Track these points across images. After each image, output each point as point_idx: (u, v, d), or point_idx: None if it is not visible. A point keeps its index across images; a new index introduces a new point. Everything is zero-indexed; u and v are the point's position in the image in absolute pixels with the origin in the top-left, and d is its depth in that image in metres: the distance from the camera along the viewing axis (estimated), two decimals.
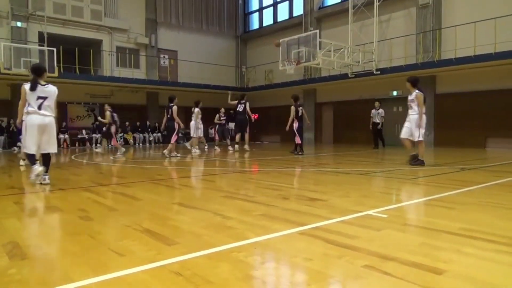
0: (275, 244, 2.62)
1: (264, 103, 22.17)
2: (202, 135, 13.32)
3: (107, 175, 6.98)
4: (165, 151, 10.86)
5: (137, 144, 19.12)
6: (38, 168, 5.41)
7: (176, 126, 10.58)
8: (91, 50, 18.37)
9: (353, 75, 16.68)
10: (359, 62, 16.12)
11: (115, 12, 19.78)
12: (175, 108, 10.62)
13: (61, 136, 17.05)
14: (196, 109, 12.61)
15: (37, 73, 5.47)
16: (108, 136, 13.12)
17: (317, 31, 15.17)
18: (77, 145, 17.94)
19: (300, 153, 11.05)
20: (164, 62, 21.34)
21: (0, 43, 15.30)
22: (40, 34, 17.07)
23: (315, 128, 19.68)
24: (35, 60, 15.91)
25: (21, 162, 8.41)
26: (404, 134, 7.50)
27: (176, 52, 21.87)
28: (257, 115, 20.18)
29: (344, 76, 17.02)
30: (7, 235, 2.82)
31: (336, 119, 19.25)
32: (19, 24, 16.90)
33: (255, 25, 24.41)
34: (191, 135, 12.89)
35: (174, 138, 10.67)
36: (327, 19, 19.46)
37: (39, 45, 16.74)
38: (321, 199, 4.17)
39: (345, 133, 18.49)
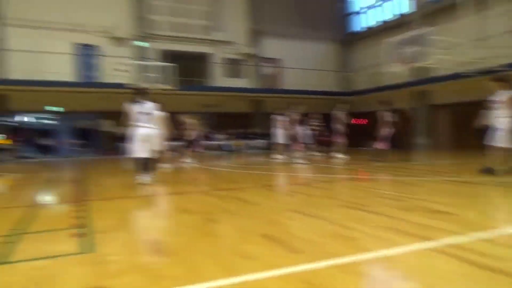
0: (405, 259, 2.49)
1: (370, 107, 21.34)
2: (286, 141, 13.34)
3: (223, 180, 7.42)
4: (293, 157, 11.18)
5: (244, 151, 19.98)
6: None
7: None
8: (203, 63, 19.83)
9: (476, 73, 15.05)
10: (480, 58, 14.50)
11: (222, 26, 21.07)
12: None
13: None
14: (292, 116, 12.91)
15: (142, 93, 6.67)
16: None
17: (431, 27, 14.10)
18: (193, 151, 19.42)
19: (379, 160, 10.38)
20: (268, 70, 21.99)
21: (129, 62, 17.46)
22: (159, 51, 19.00)
23: (429, 133, 18.25)
24: (156, 75, 17.74)
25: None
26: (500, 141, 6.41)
27: (280, 59, 22.36)
28: (365, 120, 19.51)
29: (463, 75, 15.47)
30: (150, 233, 3.18)
31: (454, 123, 17.56)
32: (142, 43, 19.05)
33: (357, 26, 23.72)
34: (280, 142, 13.04)
35: (296, 145, 11.08)
36: (441, 13, 17.96)
37: (159, 62, 18.63)
38: (447, 211, 3.84)
39: (466, 137, 16.76)
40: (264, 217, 3.83)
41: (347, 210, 4.10)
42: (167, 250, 2.69)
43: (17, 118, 18.21)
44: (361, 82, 22.09)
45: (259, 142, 20.55)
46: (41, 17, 17.19)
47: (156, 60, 18.76)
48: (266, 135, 20.97)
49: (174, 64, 17.70)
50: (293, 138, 12.88)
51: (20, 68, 16.20)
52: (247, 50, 21.31)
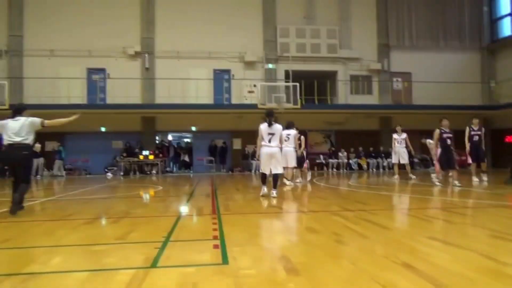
0: None
1: None
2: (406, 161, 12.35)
3: (350, 200, 7.16)
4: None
5: (370, 170, 19.10)
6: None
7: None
8: (328, 81, 19.81)
9: None
10: None
11: (349, 43, 20.79)
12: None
13: None
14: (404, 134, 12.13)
15: (270, 115, 7.43)
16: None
17: None
18: (315, 169, 19.41)
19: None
20: (397, 86, 20.81)
21: (258, 83, 18.50)
22: (286, 72, 19.64)
23: None
24: (283, 95, 18.36)
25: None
26: None
27: (410, 74, 20.99)
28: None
29: None
30: (280, 250, 3.20)
31: None
32: (270, 65, 19.99)
33: (506, 31, 20.83)
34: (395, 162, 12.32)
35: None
36: None
37: (286, 82, 19.25)
38: None
39: None
40: (399, 243, 3.53)
41: (497, 241, 3.51)
42: (299, 270, 2.66)
43: (162, 137, 20.74)
44: (508, 94, 19.23)
45: (387, 161, 19.40)
46: (185, 48, 19.42)
47: (283, 80, 19.45)
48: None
49: (299, 83, 18.14)
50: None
51: (165, 94, 18.49)
52: (374, 65, 20.59)
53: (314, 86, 18.98)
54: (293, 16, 20.41)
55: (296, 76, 18.87)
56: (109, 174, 17.48)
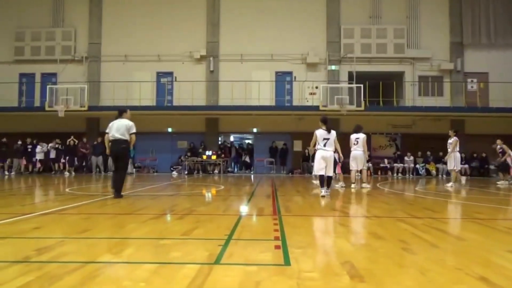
0: None
1: None
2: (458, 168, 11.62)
3: (417, 207, 6.79)
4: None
5: (440, 176, 17.99)
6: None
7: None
8: (394, 82, 19.00)
9: None
10: None
11: (417, 42, 19.79)
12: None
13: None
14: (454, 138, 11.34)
15: (327, 122, 8.06)
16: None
17: None
18: (379, 173, 18.70)
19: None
20: (472, 87, 19.38)
21: (320, 85, 18.27)
22: (350, 74, 19.17)
23: None
24: (345, 97, 17.94)
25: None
26: None
27: (487, 74, 19.46)
28: None
29: None
30: (343, 255, 3.11)
31: None
32: (333, 67, 19.64)
33: None
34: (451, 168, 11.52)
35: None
36: None
37: (349, 83, 18.79)
38: None
39: None
40: (474, 255, 3.26)
41: None
42: (364, 276, 2.56)
43: (224, 138, 21.26)
44: None
45: (460, 167, 18.13)
46: (248, 51, 19.74)
47: (346, 82, 19.02)
48: (470, 159, 18.39)
49: (360, 85, 17.61)
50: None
51: (228, 96, 18.92)
52: (446, 65, 19.38)
53: (379, 88, 18.30)
54: (358, 16, 19.90)
55: (360, 77, 18.34)
56: (175, 173, 18.27)
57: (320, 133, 7.99)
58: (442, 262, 3.03)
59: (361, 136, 10.15)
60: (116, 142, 7.31)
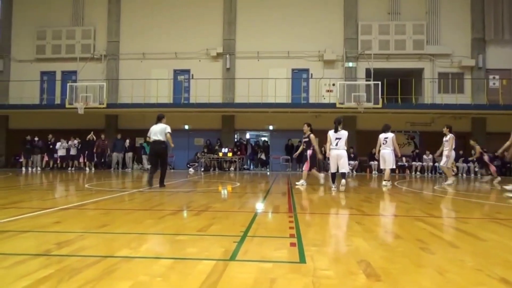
0: None
1: None
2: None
3: (436, 206, 6.68)
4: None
5: (459, 174, 17.63)
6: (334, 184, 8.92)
7: None
8: (413, 79, 18.68)
9: None
10: None
11: (437, 38, 19.40)
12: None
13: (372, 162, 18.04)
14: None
15: (338, 123, 8.95)
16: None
17: None
18: (397, 171, 18.45)
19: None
20: (494, 84, 18.91)
21: (337, 82, 18.11)
22: (367, 70, 18.94)
23: None
24: (363, 94, 17.73)
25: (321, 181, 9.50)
26: None
27: (509, 70, 18.95)
28: None
29: None
30: (359, 253, 3.09)
31: None
32: (350, 64, 19.43)
33: None
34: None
35: None
36: None
37: (366, 80, 18.57)
38: None
39: None
40: (495, 256, 3.19)
41: None
42: (380, 275, 2.54)
43: (240, 135, 21.30)
44: None
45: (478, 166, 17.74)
46: (264, 48, 19.71)
47: (363, 79, 18.81)
48: (492, 158, 17.94)
49: (377, 82, 17.39)
50: None
51: (244, 93, 18.93)
52: (467, 62, 18.96)
53: (397, 85, 18.03)
54: (376, 12, 19.63)
55: (378, 74, 18.10)
56: (191, 170, 18.41)
57: (331, 133, 9.02)
58: (461, 262, 2.97)
59: (390, 135, 10.31)
60: (156, 143, 8.94)
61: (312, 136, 10.25)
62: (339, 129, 8.94)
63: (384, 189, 9.63)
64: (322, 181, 10.43)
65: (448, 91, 18.83)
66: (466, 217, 5.30)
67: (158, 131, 8.97)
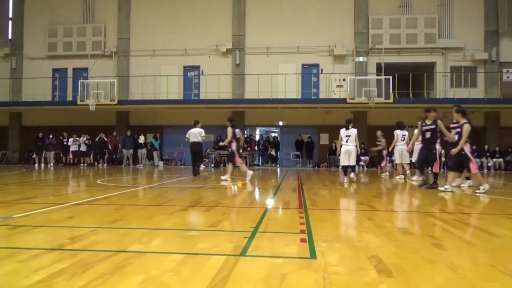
0: None
1: None
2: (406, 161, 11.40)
3: (449, 202, 6.59)
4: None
5: None
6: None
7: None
8: (424, 74, 18.44)
9: None
10: None
11: (449, 32, 19.10)
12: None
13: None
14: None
15: (349, 122, 10.15)
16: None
17: None
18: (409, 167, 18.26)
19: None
20: (507, 77, 18.57)
21: (347, 77, 17.96)
22: (378, 65, 18.74)
23: None
24: (373, 89, 17.56)
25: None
26: None
27: None
28: None
29: None
30: (370, 249, 3.07)
31: None
32: (361, 59, 19.25)
33: None
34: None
35: None
36: None
37: (377, 75, 18.39)
38: None
39: None
40: (509, 252, 3.15)
41: None
42: (392, 271, 2.52)
43: (250, 131, 21.28)
44: None
45: (492, 161, 17.48)
46: (274, 44, 19.64)
47: (374, 74, 18.64)
48: (505, 153, 17.71)
49: (388, 77, 17.22)
50: None
51: (254, 89, 18.88)
52: (480, 55, 18.65)
53: (409, 80, 17.82)
54: (386, 6, 19.40)
55: (389, 69, 17.91)
56: (201, 166, 18.45)
57: (342, 131, 10.15)
58: (474, 258, 2.94)
59: (407, 133, 11.32)
60: (194, 144, 11.12)
61: (229, 129, 10.33)
62: (350, 127, 10.06)
63: (413, 182, 10.03)
64: (249, 177, 10.35)
65: (460, 85, 18.54)
66: (479, 213, 5.23)
67: (196, 134, 11.08)
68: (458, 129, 7.86)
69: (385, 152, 13.16)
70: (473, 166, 7.67)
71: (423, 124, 8.64)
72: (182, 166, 19.32)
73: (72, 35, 21.21)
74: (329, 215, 4.97)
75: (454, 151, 7.57)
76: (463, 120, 7.76)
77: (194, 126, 11.38)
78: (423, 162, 8.78)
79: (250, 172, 10.58)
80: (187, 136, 11.26)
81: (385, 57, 18.39)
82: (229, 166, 10.50)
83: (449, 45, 18.90)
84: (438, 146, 8.79)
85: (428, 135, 8.49)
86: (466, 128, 7.55)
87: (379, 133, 13.24)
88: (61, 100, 20.84)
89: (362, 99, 17.35)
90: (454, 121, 8.43)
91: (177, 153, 20.52)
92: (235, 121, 10.92)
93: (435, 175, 8.51)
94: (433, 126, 8.44)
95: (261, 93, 18.53)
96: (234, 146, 10.22)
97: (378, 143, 13.27)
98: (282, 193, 7.61)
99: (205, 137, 11.46)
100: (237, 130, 10.49)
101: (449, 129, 8.58)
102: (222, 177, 10.28)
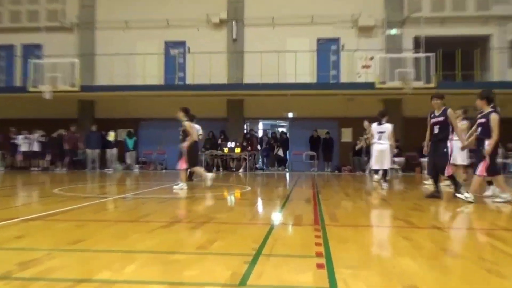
0: None
1: None
2: None
3: (508, 216, 6.59)
4: None
5: None
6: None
7: None
8: (476, 50, 18.39)
9: None
10: None
11: None
12: None
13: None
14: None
15: (382, 116, 10.56)
16: None
17: None
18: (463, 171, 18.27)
19: None
20: None
21: (376, 55, 17.95)
22: (416, 39, 18.72)
23: None
24: (410, 70, 17.54)
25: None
26: None
27: None
28: None
29: None
30: (407, 277, 3.07)
31: None
32: (393, 31, 19.23)
33: None
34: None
35: None
36: None
37: (415, 52, 18.36)
38: None
39: None
40: None
41: None
42: None
43: (251, 126, 21.30)
44: None
45: None
46: (281, 13, 19.61)
47: (411, 50, 18.60)
48: None
49: (429, 54, 17.19)
50: None
51: (255, 72, 18.86)
52: None
53: (455, 57, 17.79)
54: None
55: (430, 44, 17.88)
56: (188, 170, 18.44)
57: (374, 126, 10.51)
58: None
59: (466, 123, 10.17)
60: (197, 143, 10.96)
61: (187, 123, 10.21)
62: (383, 121, 10.39)
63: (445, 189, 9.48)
64: (209, 182, 10.36)
65: None
66: None
67: (199, 130, 11.82)
68: (483, 120, 7.55)
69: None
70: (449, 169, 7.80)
71: (431, 115, 8.23)
72: (164, 171, 19.35)
73: (21, 2, 21.24)
74: (353, 234, 4.96)
75: (487, 150, 7.36)
76: (488, 109, 7.53)
77: (193, 120, 11.47)
78: (437, 169, 8.23)
79: (209, 175, 10.70)
80: (181, 133, 11.17)
81: (425, 29, 18.34)
82: (181, 171, 10.48)
83: (508, 12, 18.85)
84: (450, 144, 8.41)
85: (436, 129, 8.05)
86: (495, 118, 7.34)
87: (366, 123, 12.99)
88: (7, 85, 20.88)
89: (395, 83, 17.31)
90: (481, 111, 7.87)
91: (157, 154, 20.57)
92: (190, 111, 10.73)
93: (453, 180, 8.13)
94: (441, 118, 8.00)
95: (265, 76, 18.52)
96: (186, 145, 10.11)
97: (364, 136, 13.27)
98: (293, 205, 7.61)
99: (202, 135, 11.69)
100: (197, 126, 10.88)
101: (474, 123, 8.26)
102: (175, 187, 10.08)
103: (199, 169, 11.05)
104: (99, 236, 4.57)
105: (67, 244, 4.12)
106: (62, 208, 6.65)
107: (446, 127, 7.96)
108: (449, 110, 7.99)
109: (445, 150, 7.98)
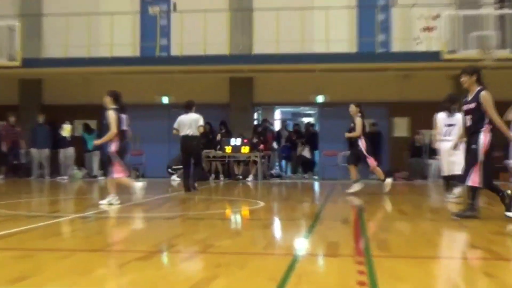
0: None
1: None
2: None
3: None
4: None
5: None
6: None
7: None
8: None
9: None
10: None
11: None
12: None
13: None
14: None
15: (452, 102, 10.43)
16: None
17: None
18: None
19: None
20: None
21: (443, 13, 17.82)
22: None
23: None
24: (491, 33, 17.44)
25: None
26: None
27: None
28: None
29: None
30: None
31: None
32: None
33: None
34: None
35: None
36: None
37: (499, 8, 18.24)
38: None
39: None
40: None
41: None
42: None
43: (265, 115, 21.29)
44: None
45: None
46: None
47: (492, 5, 18.51)
48: None
49: None
50: None
51: (268, 38, 18.84)
52: None
53: None
54: None
55: None
56: (175, 178, 18.51)
57: (440, 117, 10.50)
58: None
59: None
60: (187, 138, 12.42)
61: (111, 113, 10.11)
62: (454, 110, 10.20)
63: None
64: (138, 191, 10.47)
65: None
66: None
67: (189, 124, 12.54)
68: (471, 105, 7.69)
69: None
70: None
71: (464, 101, 8.15)
72: (141, 179, 19.41)
73: None
74: (412, 268, 4.95)
75: None
76: (476, 87, 7.65)
77: (187, 110, 12.91)
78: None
79: (138, 184, 10.70)
80: (175, 126, 12.65)
81: None
82: (110, 180, 10.45)
83: None
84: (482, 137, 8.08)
85: (468, 120, 7.97)
86: (486, 98, 7.52)
87: (353, 107, 13.31)
88: None
89: (470, 52, 17.22)
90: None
91: (131, 156, 20.61)
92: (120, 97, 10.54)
93: (473, 192, 8.12)
94: (472, 105, 7.82)
95: (283, 44, 18.50)
96: (115, 145, 10.07)
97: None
98: (324, 227, 7.62)
99: (202, 128, 13.00)
100: (124, 116, 10.44)
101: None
102: (102, 201, 10.12)
103: (124, 179, 10.68)
104: (51, 271, 4.59)
105: (7, 282, 4.15)
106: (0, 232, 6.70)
107: (480, 118, 7.77)
108: (483, 93, 7.72)
109: (474, 146, 7.79)
